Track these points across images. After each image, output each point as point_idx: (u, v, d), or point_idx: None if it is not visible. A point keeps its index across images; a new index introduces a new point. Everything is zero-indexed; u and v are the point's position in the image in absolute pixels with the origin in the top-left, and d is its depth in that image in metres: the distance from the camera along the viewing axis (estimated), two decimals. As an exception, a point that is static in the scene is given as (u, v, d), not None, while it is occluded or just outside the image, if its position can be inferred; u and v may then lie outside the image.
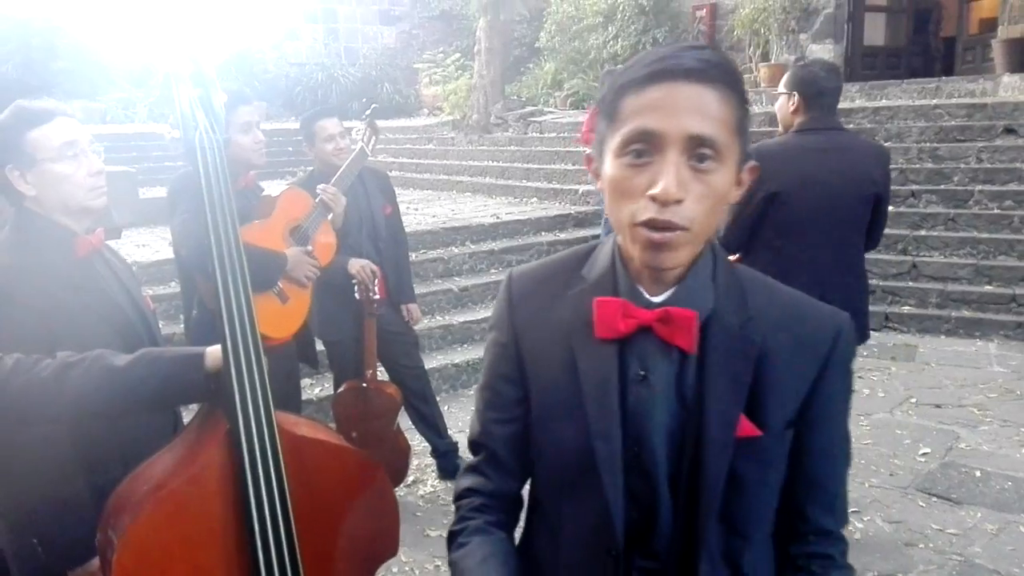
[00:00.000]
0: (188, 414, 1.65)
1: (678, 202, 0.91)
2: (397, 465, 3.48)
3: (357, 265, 3.30)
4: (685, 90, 0.91)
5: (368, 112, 3.45)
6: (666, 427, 1.01)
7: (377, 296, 3.32)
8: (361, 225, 3.46)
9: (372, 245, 3.50)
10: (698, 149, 0.92)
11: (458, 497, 1.19)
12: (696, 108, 0.91)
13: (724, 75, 0.93)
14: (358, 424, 3.35)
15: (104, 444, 1.67)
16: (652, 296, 1.02)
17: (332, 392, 3.88)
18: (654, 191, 0.91)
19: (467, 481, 1.18)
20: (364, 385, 3.35)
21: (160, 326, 4.51)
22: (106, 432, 1.66)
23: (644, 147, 0.93)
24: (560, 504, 1.10)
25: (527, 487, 1.20)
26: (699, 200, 0.93)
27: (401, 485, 3.63)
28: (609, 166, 0.98)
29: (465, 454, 3.05)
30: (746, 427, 1.00)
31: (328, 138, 3.37)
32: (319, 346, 4.26)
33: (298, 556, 1.33)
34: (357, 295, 3.30)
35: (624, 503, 1.02)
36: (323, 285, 3.34)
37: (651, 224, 0.92)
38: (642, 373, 1.01)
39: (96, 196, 1.76)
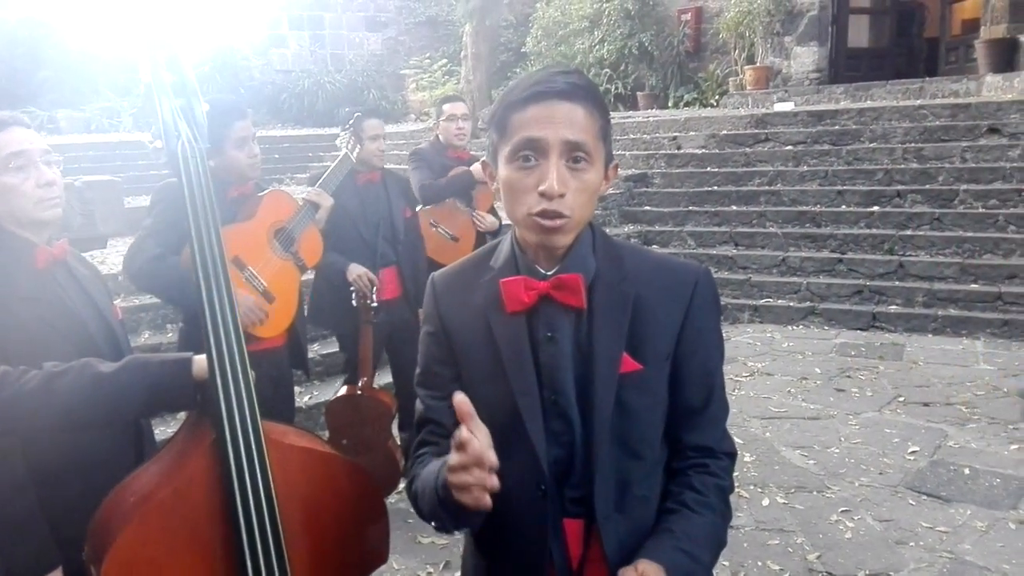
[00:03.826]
0: (176, 423, 1.63)
1: (561, 195, 1.14)
2: (389, 472, 3.46)
3: (355, 273, 3.26)
4: (559, 107, 1.15)
5: (351, 120, 3.45)
6: (573, 374, 1.23)
7: (375, 304, 3.29)
8: (379, 227, 3.46)
9: (390, 247, 3.49)
10: (573, 153, 1.15)
11: (410, 467, 1.35)
12: (569, 120, 1.15)
13: (589, 95, 1.17)
14: (349, 431, 3.33)
15: (58, 457, 1.62)
16: (546, 271, 1.24)
17: (324, 399, 3.85)
18: (543, 187, 1.14)
19: (416, 452, 1.35)
20: (359, 392, 3.34)
21: (146, 336, 4.43)
22: (60, 445, 1.61)
23: (531, 153, 1.15)
24: (496, 456, 1.26)
25: None
26: (577, 193, 1.16)
27: (393, 492, 3.61)
28: (503, 170, 1.20)
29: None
30: (628, 363, 1.22)
31: (374, 137, 3.42)
32: (320, 349, 4.27)
33: (287, 565, 1.33)
34: (354, 302, 3.27)
35: (547, 444, 1.23)
36: (339, 281, 3.31)
37: (543, 214, 1.15)
38: (550, 334, 1.23)
39: (46, 208, 1.69)
